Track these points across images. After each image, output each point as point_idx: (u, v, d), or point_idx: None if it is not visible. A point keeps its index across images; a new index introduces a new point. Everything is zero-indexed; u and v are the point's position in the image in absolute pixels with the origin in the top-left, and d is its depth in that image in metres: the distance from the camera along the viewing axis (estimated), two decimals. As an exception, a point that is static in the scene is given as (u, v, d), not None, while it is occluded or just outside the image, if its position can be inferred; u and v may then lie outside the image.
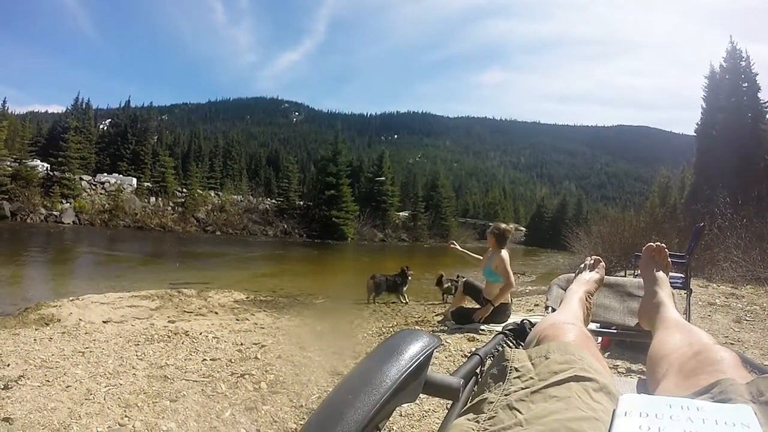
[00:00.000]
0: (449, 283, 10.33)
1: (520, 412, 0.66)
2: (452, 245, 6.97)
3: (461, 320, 6.17)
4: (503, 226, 6.53)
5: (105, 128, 63.73)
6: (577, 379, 0.71)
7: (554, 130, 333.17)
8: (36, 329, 5.69)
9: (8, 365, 4.21)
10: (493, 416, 0.67)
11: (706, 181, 25.63)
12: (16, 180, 28.97)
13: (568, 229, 21.65)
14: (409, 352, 0.71)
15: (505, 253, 6.13)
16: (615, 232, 16.43)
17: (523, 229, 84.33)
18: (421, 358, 0.71)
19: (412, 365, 0.69)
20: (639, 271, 1.63)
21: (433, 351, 0.75)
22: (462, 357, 4.52)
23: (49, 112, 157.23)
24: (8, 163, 29.30)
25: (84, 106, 59.17)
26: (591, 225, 21.12)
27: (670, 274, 1.51)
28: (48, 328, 5.81)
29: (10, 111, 55.79)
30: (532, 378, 0.73)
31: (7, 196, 27.97)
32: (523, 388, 0.71)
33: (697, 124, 30.06)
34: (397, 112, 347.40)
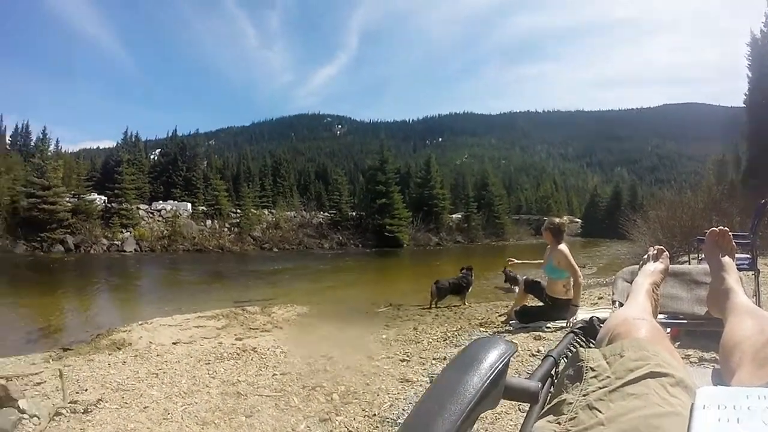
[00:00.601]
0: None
1: (600, 412, 0.67)
2: (510, 261, 6.93)
3: (525, 319, 6.11)
4: (557, 220, 6.45)
5: (156, 158, 65.28)
6: (653, 375, 0.71)
7: (599, 117, 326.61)
8: (109, 354, 5.87)
9: (86, 390, 4.37)
10: (574, 417, 0.69)
11: (763, 153, 24.55)
12: (77, 214, 29.81)
13: (625, 217, 21.01)
14: (488, 360, 0.72)
15: (564, 247, 6.05)
16: (673, 216, 15.87)
17: (579, 220, 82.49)
18: (500, 365, 0.72)
19: (492, 373, 0.70)
20: (702, 255, 1.61)
21: (510, 357, 0.76)
22: (529, 356, 4.49)
23: (101, 147, 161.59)
24: (67, 199, 30.11)
25: (133, 138, 61.10)
26: (647, 210, 20.44)
27: (736, 255, 1.49)
28: (120, 352, 5.99)
29: (63, 150, 58.04)
30: (608, 377, 0.74)
31: (69, 230, 28.78)
32: (600, 388, 0.72)
33: (745, 94, 28.71)
34: (438, 114, 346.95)
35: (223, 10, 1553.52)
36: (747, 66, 28.37)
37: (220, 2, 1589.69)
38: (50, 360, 5.87)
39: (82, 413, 3.80)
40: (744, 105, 29.13)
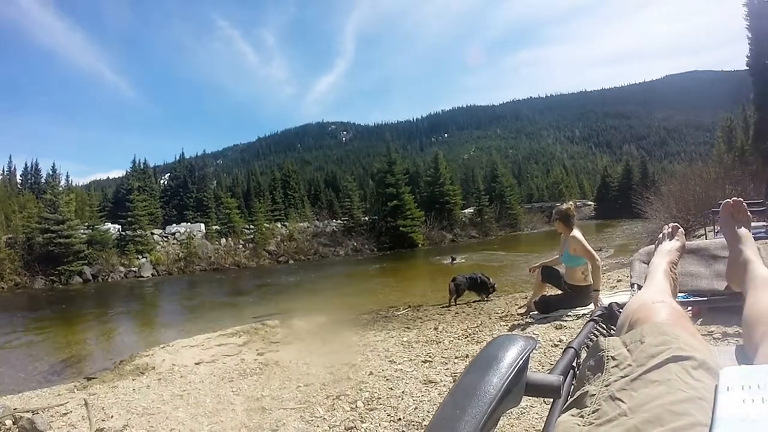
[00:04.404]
0: None
1: (623, 402, 0.65)
2: (532, 269, 6.92)
3: (545, 309, 6.08)
4: (564, 206, 6.40)
5: (165, 182, 66.01)
6: (675, 359, 0.69)
7: (603, 96, 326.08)
8: (133, 379, 5.89)
9: (112, 417, 4.39)
10: (597, 409, 0.67)
11: (769, 115, 24.33)
12: (92, 245, 30.03)
13: (638, 195, 20.98)
14: (507, 359, 0.71)
15: (577, 232, 6.01)
16: (686, 189, 15.79)
17: (591, 203, 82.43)
18: (520, 362, 0.72)
19: (512, 371, 0.69)
20: (719, 227, 1.57)
21: (530, 353, 0.75)
22: (551, 346, 4.47)
23: (110, 177, 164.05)
24: (82, 231, 30.31)
25: (142, 165, 61.61)
26: (660, 186, 20.38)
27: (752, 224, 1.45)
28: (144, 376, 6.01)
29: (74, 183, 58.73)
30: (630, 365, 0.72)
31: (86, 261, 29.01)
32: (622, 377, 0.70)
33: (747, 57, 28.53)
34: (442, 110, 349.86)
35: (219, 32, 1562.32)
36: (746, 27, 28.08)
37: (214, 26, 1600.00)
38: (75, 390, 5.91)
39: (109, 441, 3.81)
40: (747, 68, 28.87)
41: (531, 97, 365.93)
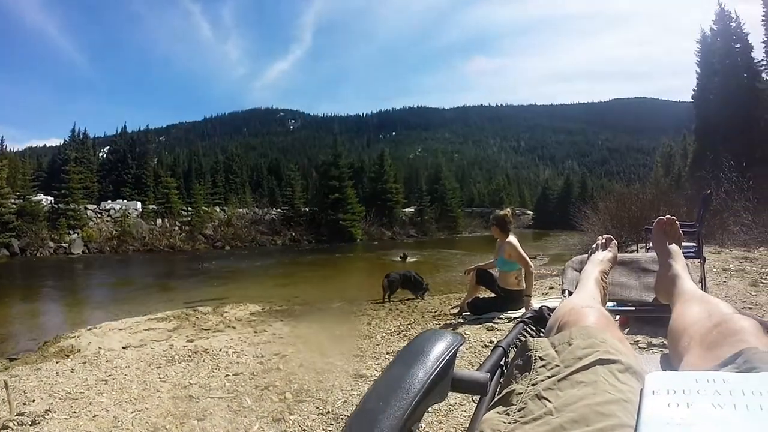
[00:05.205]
0: None
1: (549, 401, 0.66)
2: (467, 271, 6.99)
3: (478, 311, 6.15)
4: (501, 212, 6.50)
5: (104, 156, 64.01)
6: (602, 362, 0.71)
7: (551, 111, 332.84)
8: (57, 362, 5.68)
9: (33, 401, 4.22)
10: (523, 407, 0.68)
11: (709, 147, 25.48)
12: (22, 216, 28.75)
13: (575, 209, 21.49)
14: (434, 353, 0.71)
15: (513, 238, 6.12)
16: (622, 207, 16.24)
17: (530, 212, 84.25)
18: (447, 357, 0.72)
19: (438, 366, 0.69)
20: (650, 245, 1.63)
21: (457, 349, 0.75)
22: (482, 347, 4.53)
23: (47, 145, 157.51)
24: (12, 200, 29.03)
25: (81, 136, 59.83)
26: (597, 202, 20.91)
27: (683, 243, 1.50)
28: (69, 359, 5.80)
29: (8, 149, 56.17)
30: (557, 365, 0.73)
31: (14, 234, 27.72)
32: (549, 377, 0.71)
33: (694, 90, 29.95)
34: (392, 109, 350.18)
35: (177, 3, 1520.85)
36: (696, 63, 29.54)
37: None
38: (-5, 371, 5.67)
39: (30, 425, 3.67)
40: (692, 100, 30.26)
41: (481, 104, 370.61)
